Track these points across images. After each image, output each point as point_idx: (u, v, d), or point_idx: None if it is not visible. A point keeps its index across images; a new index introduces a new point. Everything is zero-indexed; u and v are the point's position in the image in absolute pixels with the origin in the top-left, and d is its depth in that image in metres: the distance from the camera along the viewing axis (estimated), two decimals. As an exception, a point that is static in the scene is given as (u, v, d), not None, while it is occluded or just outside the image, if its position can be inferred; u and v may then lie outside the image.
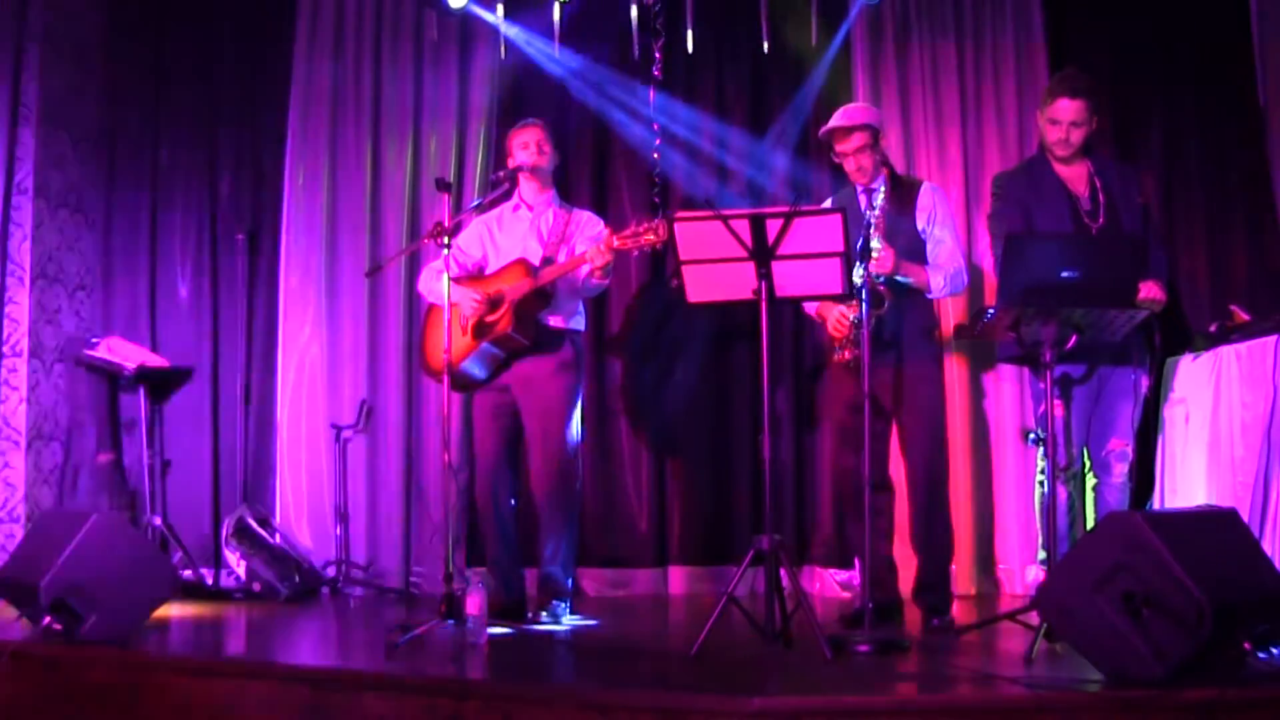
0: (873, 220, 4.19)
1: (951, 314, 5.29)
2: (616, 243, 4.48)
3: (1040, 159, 4.48)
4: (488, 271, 4.85)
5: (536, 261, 4.70)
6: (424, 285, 4.98)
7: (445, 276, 4.29)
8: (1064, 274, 3.74)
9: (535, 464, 4.70)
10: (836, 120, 4.46)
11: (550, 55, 5.84)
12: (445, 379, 4.24)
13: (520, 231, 4.86)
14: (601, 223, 4.88)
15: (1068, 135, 4.35)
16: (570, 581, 4.83)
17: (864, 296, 4.00)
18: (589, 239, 4.71)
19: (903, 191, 4.47)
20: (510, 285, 4.64)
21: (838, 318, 4.32)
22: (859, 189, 4.47)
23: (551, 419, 4.66)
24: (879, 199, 4.23)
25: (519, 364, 4.70)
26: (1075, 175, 4.42)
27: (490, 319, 4.62)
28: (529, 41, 5.86)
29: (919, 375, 4.38)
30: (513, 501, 4.81)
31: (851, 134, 4.42)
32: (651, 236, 4.43)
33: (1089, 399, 4.39)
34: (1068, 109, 4.33)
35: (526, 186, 4.90)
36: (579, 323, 4.84)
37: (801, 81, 5.73)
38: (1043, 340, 3.84)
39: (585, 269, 4.58)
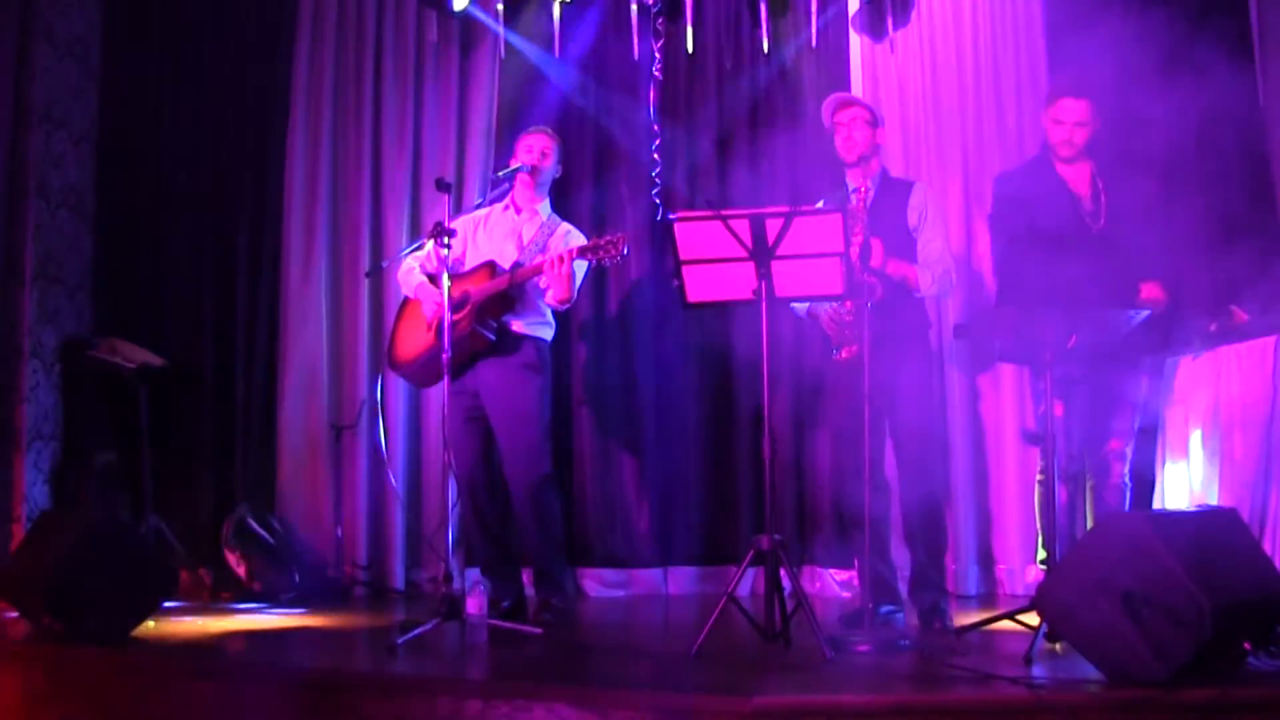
0: (855, 213, 4.21)
1: (951, 314, 5.29)
2: (575, 253, 4.48)
3: (1043, 159, 4.47)
4: (461, 271, 4.84)
5: (508, 265, 4.70)
6: (401, 275, 4.98)
7: (448, 279, 4.29)
8: (1063, 276, 3.74)
9: (508, 468, 4.70)
10: (840, 94, 4.56)
11: (550, 55, 5.84)
12: (446, 379, 4.25)
13: (502, 232, 4.86)
14: (584, 240, 4.85)
15: (1071, 135, 4.35)
16: (564, 580, 4.83)
17: (862, 295, 4.00)
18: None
19: (894, 190, 4.50)
20: (476, 287, 4.66)
21: (832, 315, 4.32)
22: (850, 189, 4.46)
23: (520, 422, 4.66)
24: (862, 193, 4.27)
25: (483, 366, 4.70)
26: (1078, 175, 4.41)
27: (454, 318, 4.63)
28: (529, 42, 5.86)
29: (912, 375, 4.37)
30: (497, 504, 4.81)
31: (853, 105, 4.49)
32: (611, 250, 4.44)
33: (1089, 399, 4.39)
34: (1072, 109, 4.33)
35: (522, 189, 4.89)
36: (545, 332, 4.81)
37: (801, 81, 5.74)
38: (1043, 340, 3.84)
39: (543, 281, 4.58)
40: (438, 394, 5.31)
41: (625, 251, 4.44)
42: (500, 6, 5.85)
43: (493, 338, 4.64)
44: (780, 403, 5.63)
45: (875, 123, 4.49)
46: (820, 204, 4.58)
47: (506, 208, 4.93)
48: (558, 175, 4.99)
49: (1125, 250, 4.25)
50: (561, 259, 4.49)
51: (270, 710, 3.46)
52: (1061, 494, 4.23)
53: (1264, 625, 3.20)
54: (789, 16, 5.74)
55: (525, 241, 4.80)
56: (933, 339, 4.79)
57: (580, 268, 4.67)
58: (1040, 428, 4.32)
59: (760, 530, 3.85)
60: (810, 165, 5.60)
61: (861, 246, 4.10)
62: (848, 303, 4.21)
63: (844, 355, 4.29)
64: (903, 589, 4.54)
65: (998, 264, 4.62)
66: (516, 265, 4.68)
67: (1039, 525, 4.55)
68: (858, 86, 5.60)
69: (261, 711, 3.47)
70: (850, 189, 4.45)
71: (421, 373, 4.85)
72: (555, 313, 4.85)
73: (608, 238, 4.51)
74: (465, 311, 4.61)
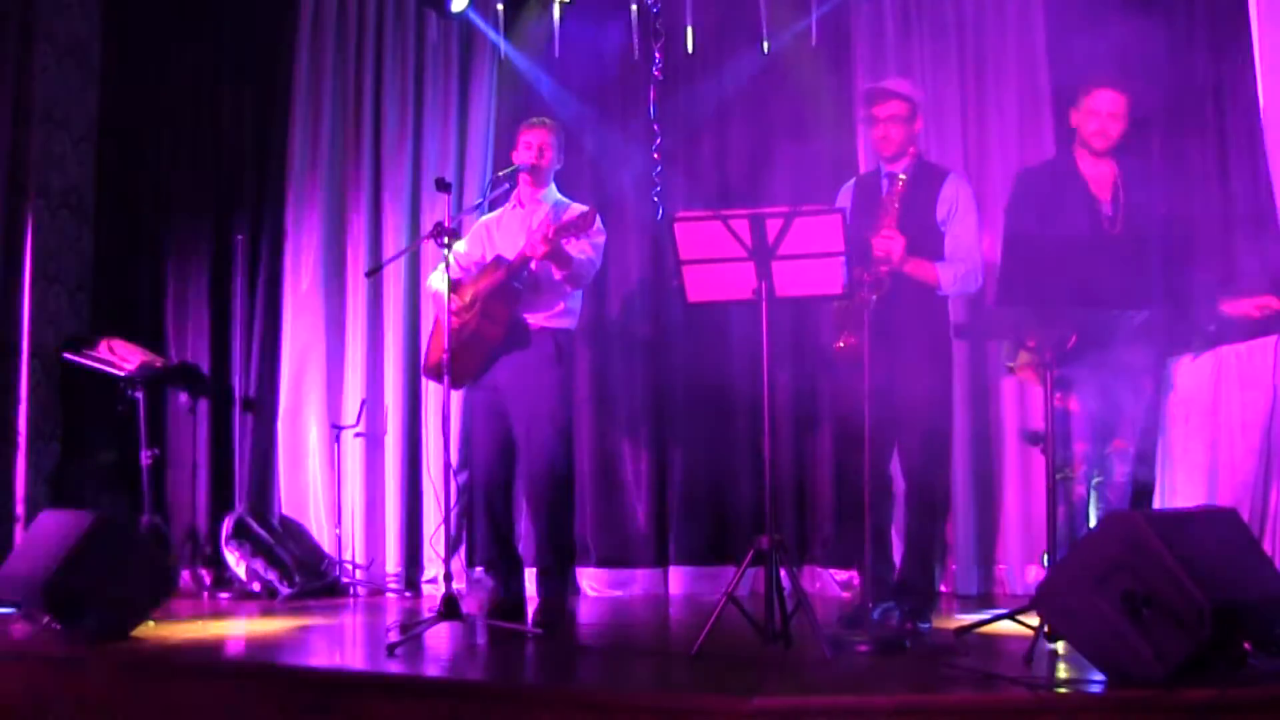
0: (885, 204, 4.17)
1: (952, 313, 5.28)
2: (550, 234, 4.47)
3: (1065, 159, 4.42)
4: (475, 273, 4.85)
5: (511, 258, 4.71)
6: (431, 294, 5.04)
7: (446, 278, 4.29)
8: (1073, 277, 3.72)
9: (523, 463, 4.70)
10: (880, 82, 4.46)
11: (550, 54, 5.84)
12: (446, 379, 4.25)
13: (513, 230, 4.86)
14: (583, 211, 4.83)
15: (1105, 127, 4.26)
16: (566, 580, 4.83)
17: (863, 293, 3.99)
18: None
19: (926, 179, 4.39)
20: (483, 284, 4.67)
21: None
22: (882, 173, 4.42)
23: (537, 418, 4.65)
24: (898, 184, 4.20)
25: (505, 361, 4.70)
26: (1100, 177, 4.34)
27: (465, 317, 4.63)
28: (529, 42, 5.86)
29: (920, 374, 4.30)
30: (510, 503, 4.81)
31: (890, 99, 4.37)
32: (583, 224, 4.44)
33: (1090, 399, 4.37)
34: (1110, 100, 4.25)
35: (525, 185, 4.90)
36: (567, 321, 4.78)
37: (802, 81, 5.73)
38: (1044, 340, 3.83)
39: (533, 264, 4.57)
40: (437, 393, 5.32)
41: (595, 222, 4.47)
42: (500, 7, 5.85)
43: (500, 331, 4.62)
44: (780, 402, 5.63)
45: (913, 116, 4.38)
46: (851, 182, 4.55)
47: (514, 206, 4.94)
48: (560, 167, 4.97)
49: (1139, 255, 4.21)
50: (536, 243, 4.47)
51: (269, 710, 3.46)
52: (1079, 492, 4.21)
53: (1264, 625, 3.20)
54: (789, 16, 5.73)
55: (533, 230, 4.80)
56: (947, 337, 4.70)
57: (587, 246, 4.64)
58: (1048, 427, 4.30)
59: (760, 530, 3.85)
60: (811, 164, 5.60)
61: (862, 245, 4.07)
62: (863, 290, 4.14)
63: (841, 344, 4.21)
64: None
65: (1003, 260, 4.59)
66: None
67: (1054, 525, 4.52)
68: (859, 85, 5.60)
69: (261, 711, 3.47)
70: (883, 175, 4.38)
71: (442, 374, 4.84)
72: (579, 301, 4.83)
73: (578, 214, 4.52)
74: (474, 309, 4.61)
